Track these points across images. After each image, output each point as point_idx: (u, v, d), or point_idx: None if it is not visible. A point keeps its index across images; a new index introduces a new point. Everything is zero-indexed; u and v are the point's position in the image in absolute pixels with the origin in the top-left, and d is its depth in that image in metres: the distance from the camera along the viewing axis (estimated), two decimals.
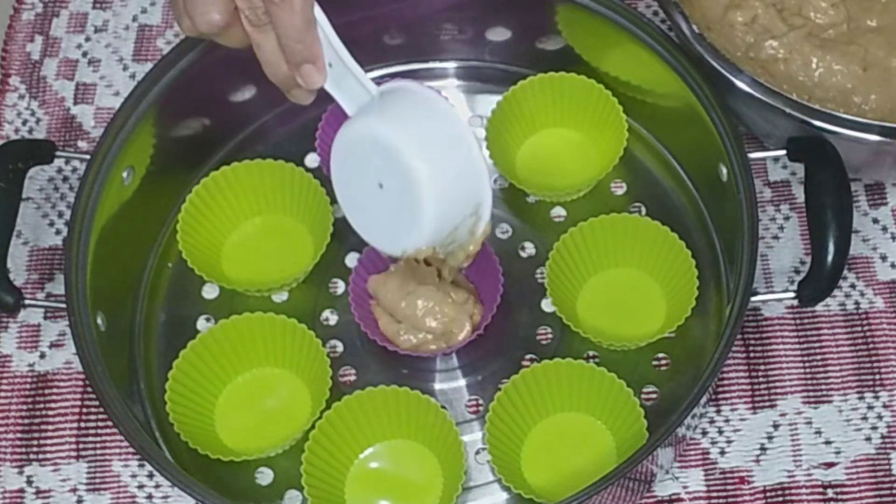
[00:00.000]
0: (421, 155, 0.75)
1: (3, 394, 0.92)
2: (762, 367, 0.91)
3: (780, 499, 0.86)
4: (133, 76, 1.06)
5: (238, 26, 0.76)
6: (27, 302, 0.87)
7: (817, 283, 0.83)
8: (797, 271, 0.94)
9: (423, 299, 0.87)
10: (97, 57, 1.07)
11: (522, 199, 0.96)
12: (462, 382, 0.90)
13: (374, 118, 0.77)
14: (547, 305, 0.91)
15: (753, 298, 0.82)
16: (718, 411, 0.89)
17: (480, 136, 0.95)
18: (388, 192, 0.78)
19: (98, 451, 0.90)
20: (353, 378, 0.90)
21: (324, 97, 0.95)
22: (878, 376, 0.90)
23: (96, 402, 0.91)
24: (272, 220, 0.95)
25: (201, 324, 0.93)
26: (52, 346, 0.94)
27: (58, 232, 0.99)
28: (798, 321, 0.92)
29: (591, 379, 0.85)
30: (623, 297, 0.91)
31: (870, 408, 0.89)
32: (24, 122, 1.04)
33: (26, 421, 0.91)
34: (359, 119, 0.78)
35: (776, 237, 0.96)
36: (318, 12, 0.76)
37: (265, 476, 0.87)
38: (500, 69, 1.01)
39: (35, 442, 0.90)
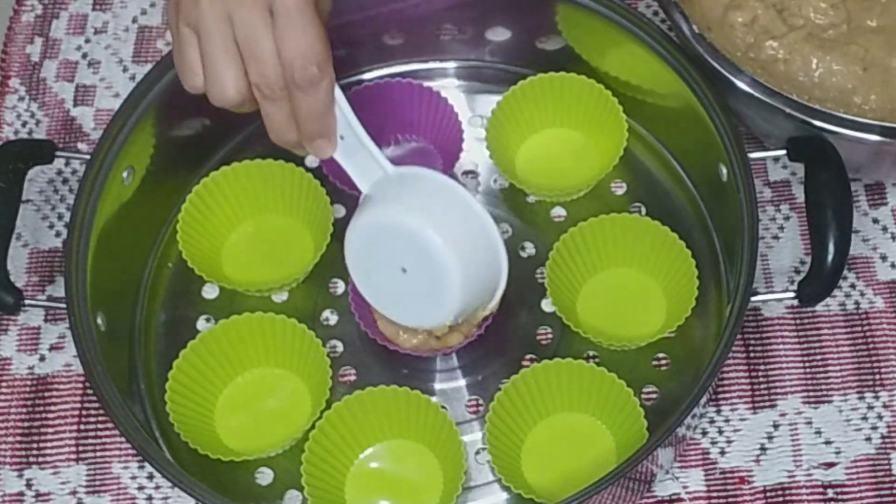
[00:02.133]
0: (451, 249, 0.77)
1: (2, 396, 0.92)
2: (762, 367, 0.91)
3: (781, 499, 0.86)
4: (133, 77, 1.06)
5: (252, 99, 0.75)
6: (27, 302, 0.86)
7: (817, 283, 0.83)
8: (797, 271, 0.94)
9: None
10: (97, 58, 1.07)
11: (522, 199, 0.96)
12: (462, 382, 0.90)
13: (399, 207, 0.78)
14: (547, 305, 0.91)
15: (753, 298, 0.82)
16: (718, 411, 0.89)
17: (480, 136, 0.95)
18: (411, 277, 0.80)
19: (98, 454, 0.90)
20: (353, 378, 0.90)
21: None
22: (878, 376, 0.90)
23: (96, 405, 0.91)
24: (273, 220, 0.95)
25: (201, 324, 0.93)
26: (51, 348, 0.94)
27: (58, 234, 0.99)
28: (798, 321, 0.92)
29: (591, 379, 0.85)
30: (623, 297, 0.91)
31: (870, 408, 0.89)
32: (24, 124, 1.04)
33: (26, 424, 0.91)
34: (378, 206, 0.79)
35: (776, 237, 0.96)
36: (337, 91, 0.76)
37: (265, 476, 0.87)
38: (500, 69, 1.01)
39: (35, 445, 0.90)
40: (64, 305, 0.84)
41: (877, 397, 0.90)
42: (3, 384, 0.93)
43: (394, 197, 0.79)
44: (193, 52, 0.74)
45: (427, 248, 0.77)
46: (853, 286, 0.94)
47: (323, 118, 0.76)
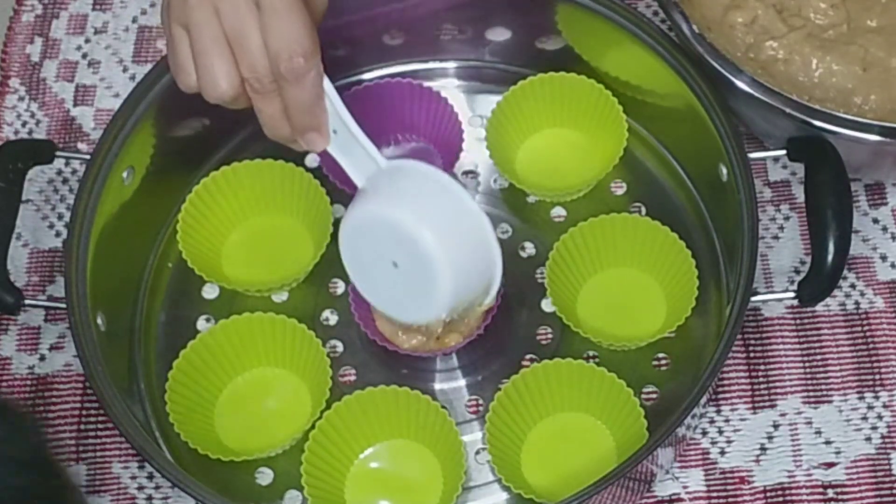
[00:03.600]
0: (440, 244, 0.77)
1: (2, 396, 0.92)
2: (762, 367, 0.91)
3: (781, 499, 0.86)
4: (133, 77, 1.06)
5: (245, 95, 0.76)
6: (27, 302, 0.86)
7: (817, 283, 0.83)
8: (797, 271, 0.94)
9: None
10: (97, 58, 1.07)
11: (522, 199, 0.96)
12: (462, 382, 0.90)
13: (389, 201, 0.78)
14: (547, 305, 0.91)
15: (753, 298, 0.82)
16: (718, 411, 0.89)
17: (480, 136, 0.95)
18: (402, 271, 0.79)
19: (98, 454, 0.90)
20: (353, 378, 0.90)
21: None
22: (878, 376, 0.90)
23: (96, 405, 0.91)
24: (272, 220, 0.95)
25: (201, 324, 0.93)
26: (51, 348, 0.94)
27: (58, 234, 0.99)
28: (798, 321, 0.92)
29: (591, 379, 0.85)
30: (623, 297, 0.91)
31: (870, 408, 0.89)
32: (24, 124, 1.04)
33: None
34: (370, 200, 0.79)
35: (776, 237, 0.96)
36: (327, 83, 0.76)
37: (265, 476, 0.87)
38: (500, 69, 1.01)
39: None
40: (64, 305, 0.84)
41: (877, 397, 0.90)
42: (3, 384, 0.93)
43: (385, 191, 0.79)
44: (185, 51, 0.75)
45: (416, 244, 0.77)
46: (853, 286, 0.94)
47: (312, 111, 0.76)
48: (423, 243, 0.77)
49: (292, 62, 0.73)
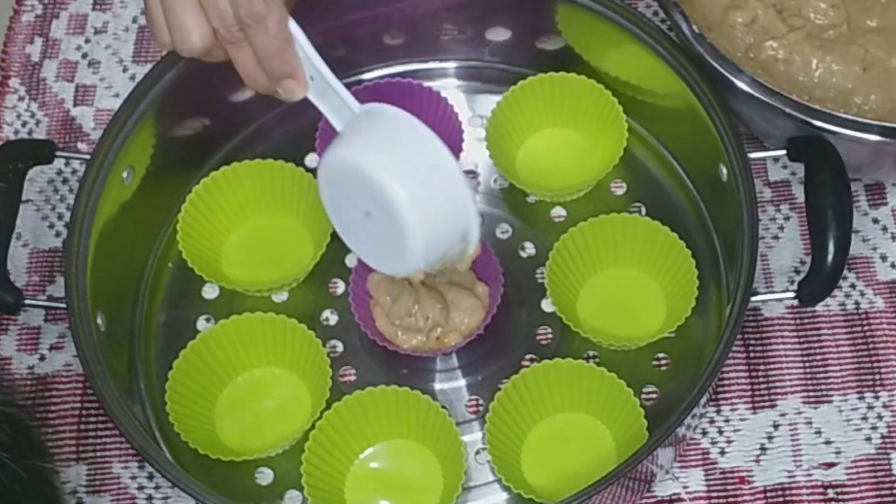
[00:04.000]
0: (402, 186, 0.76)
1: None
2: (762, 367, 0.91)
3: (781, 499, 0.86)
4: (133, 77, 1.06)
5: (218, 46, 0.77)
6: (27, 302, 0.86)
7: (817, 283, 0.83)
8: (797, 271, 0.94)
9: (409, 301, 0.87)
10: (97, 58, 1.07)
11: (522, 199, 0.96)
12: (462, 382, 0.90)
13: (354, 146, 0.78)
14: (547, 305, 0.91)
15: (753, 298, 0.82)
16: (718, 411, 0.89)
17: (480, 136, 0.95)
18: (374, 219, 0.78)
19: (98, 454, 0.90)
20: (353, 378, 0.90)
21: None
22: (878, 376, 0.90)
23: (96, 405, 0.91)
24: (272, 220, 0.95)
25: (201, 324, 0.93)
26: (51, 348, 0.94)
27: (58, 234, 0.99)
28: (798, 321, 0.92)
29: (591, 379, 0.85)
30: (623, 297, 0.91)
31: (870, 408, 0.89)
32: (24, 124, 1.04)
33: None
34: (340, 146, 0.78)
35: (776, 237, 0.96)
36: (295, 28, 0.77)
37: (265, 476, 0.87)
38: (500, 69, 1.01)
39: None
40: (64, 305, 0.84)
41: (877, 397, 0.90)
42: (3, 384, 0.92)
43: (356, 137, 0.78)
44: (157, 8, 0.76)
45: (384, 194, 0.76)
46: (853, 286, 0.94)
47: (281, 56, 0.76)
48: (391, 194, 0.76)
49: (251, 5, 0.74)
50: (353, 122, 0.79)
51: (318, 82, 0.79)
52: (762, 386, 0.90)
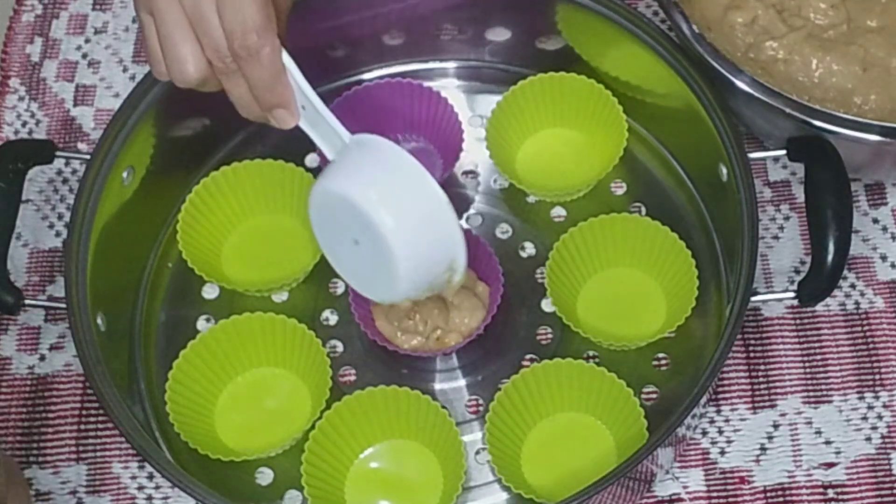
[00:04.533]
0: (390, 218, 0.77)
1: (2, 396, 0.92)
2: (762, 367, 0.91)
3: (781, 499, 0.86)
4: (133, 77, 1.06)
5: (213, 76, 0.78)
6: (27, 302, 0.86)
7: (817, 283, 0.83)
8: (797, 271, 0.94)
9: (407, 305, 0.87)
10: (97, 58, 1.07)
11: (522, 199, 0.96)
12: (462, 382, 0.90)
13: (343, 176, 0.78)
14: (547, 305, 0.91)
15: (753, 298, 0.82)
16: (718, 411, 0.89)
17: (480, 136, 0.95)
18: (362, 248, 0.79)
19: (98, 454, 0.90)
20: (353, 378, 0.90)
21: (324, 96, 0.95)
22: (878, 376, 0.90)
23: (96, 405, 0.91)
24: (272, 220, 0.95)
25: (201, 324, 0.93)
26: (51, 348, 0.94)
27: (58, 234, 0.99)
28: (798, 321, 0.92)
29: (591, 379, 0.85)
30: (623, 297, 0.91)
31: (870, 408, 0.89)
32: (24, 124, 1.04)
33: (26, 423, 0.91)
34: (330, 176, 0.79)
35: (776, 237, 0.96)
36: (288, 60, 0.77)
37: (265, 476, 0.87)
38: (500, 69, 1.01)
39: (35, 444, 0.90)
40: (64, 305, 0.84)
41: (877, 397, 0.90)
42: (3, 384, 0.93)
43: (346, 168, 0.79)
44: (154, 38, 0.77)
45: (371, 224, 0.77)
46: (853, 286, 0.94)
47: (273, 87, 0.77)
48: (378, 224, 0.76)
49: (245, 39, 0.74)
50: (343, 153, 0.80)
51: (309, 111, 0.80)
52: (762, 386, 0.90)
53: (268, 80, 0.77)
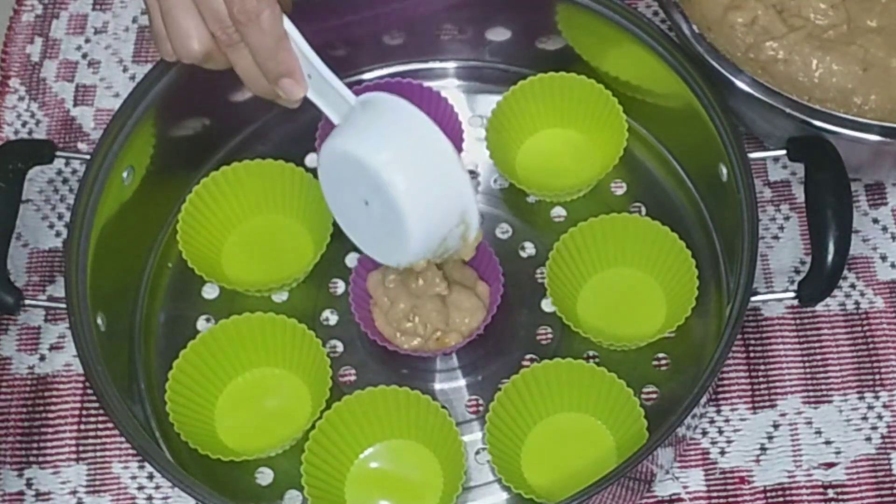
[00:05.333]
0: (397, 172, 0.76)
1: (2, 396, 0.92)
2: (762, 367, 0.91)
3: (781, 499, 0.86)
4: (133, 77, 1.06)
5: (217, 51, 0.78)
6: (27, 302, 0.86)
7: (817, 283, 0.83)
8: (797, 271, 0.94)
9: (405, 303, 0.87)
10: (97, 58, 1.07)
11: (522, 199, 0.96)
12: (462, 382, 0.90)
13: (349, 136, 0.78)
14: (547, 305, 0.91)
15: (753, 298, 0.82)
16: (718, 411, 0.89)
17: (480, 136, 0.95)
18: (373, 208, 0.79)
19: (98, 454, 0.90)
20: (353, 378, 0.90)
21: None
22: (878, 376, 0.90)
23: (96, 405, 0.91)
24: (272, 220, 0.95)
25: (201, 324, 0.93)
26: (51, 348, 0.94)
27: (58, 234, 0.99)
28: (798, 321, 0.92)
29: (591, 379, 0.85)
30: (623, 297, 0.91)
31: (870, 408, 0.89)
32: (24, 124, 1.04)
33: (26, 423, 0.91)
34: (336, 137, 0.79)
35: (776, 237, 0.96)
36: (290, 26, 0.77)
37: (265, 476, 0.87)
38: (500, 69, 1.01)
39: (35, 444, 0.90)
40: (64, 305, 0.84)
41: (877, 397, 0.90)
42: (3, 384, 0.93)
43: (353, 127, 0.78)
44: (158, 18, 0.78)
45: (381, 183, 0.76)
46: (853, 286, 0.94)
47: (276, 53, 0.77)
48: (386, 179, 0.76)
49: (244, 3, 0.75)
50: (352, 113, 0.79)
51: (315, 80, 0.79)
52: (762, 386, 0.90)
53: (270, 46, 0.76)
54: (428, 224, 0.78)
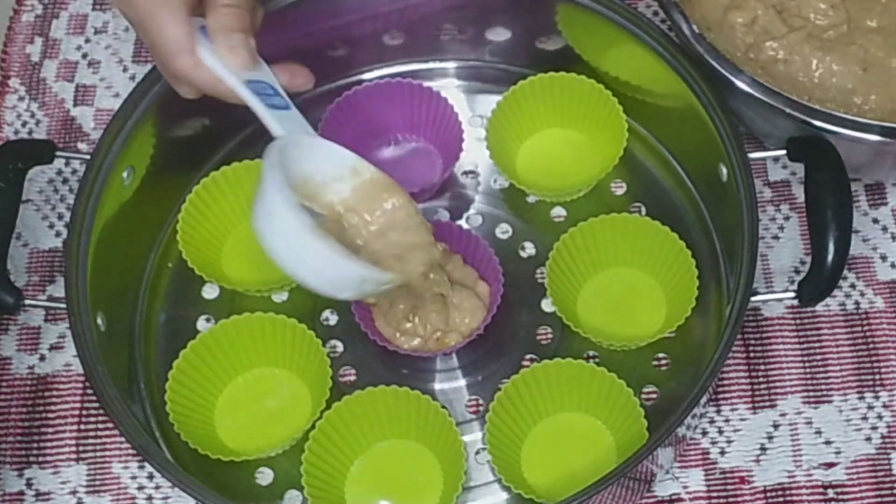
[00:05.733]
0: (273, 255, 0.77)
1: (2, 396, 0.92)
2: (762, 367, 0.91)
3: (781, 499, 0.86)
4: (133, 77, 1.06)
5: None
6: (27, 302, 0.86)
7: (817, 283, 0.83)
8: (797, 271, 0.94)
9: (405, 303, 0.87)
10: (97, 58, 1.07)
11: (522, 199, 0.96)
12: (462, 382, 0.90)
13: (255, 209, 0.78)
14: (547, 305, 0.91)
15: (753, 298, 0.82)
16: (718, 411, 0.89)
17: (480, 136, 0.95)
18: None
19: (98, 454, 0.90)
20: (353, 378, 0.90)
21: (324, 96, 0.96)
22: (878, 376, 0.90)
23: (96, 405, 0.91)
24: None
25: (201, 324, 0.93)
26: (51, 348, 0.94)
27: (58, 234, 0.99)
28: (798, 321, 0.92)
29: (591, 379, 0.85)
30: (623, 297, 0.91)
31: (870, 408, 0.89)
32: (24, 124, 1.04)
33: (26, 423, 0.91)
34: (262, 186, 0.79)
35: (776, 237, 0.96)
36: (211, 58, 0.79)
37: (265, 476, 0.87)
38: (500, 69, 1.01)
39: (35, 444, 0.90)
40: (64, 305, 0.84)
41: (877, 397, 0.90)
42: (3, 384, 0.93)
43: (259, 191, 0.78)
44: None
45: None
46: (853, 286, 0.94)
47: (216, 89, 0.80)
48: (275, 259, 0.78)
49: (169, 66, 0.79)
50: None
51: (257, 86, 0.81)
52: (762, 386, 0.90)
53: (206, 91, 0.80)
54: (327, 287, 0.78)
